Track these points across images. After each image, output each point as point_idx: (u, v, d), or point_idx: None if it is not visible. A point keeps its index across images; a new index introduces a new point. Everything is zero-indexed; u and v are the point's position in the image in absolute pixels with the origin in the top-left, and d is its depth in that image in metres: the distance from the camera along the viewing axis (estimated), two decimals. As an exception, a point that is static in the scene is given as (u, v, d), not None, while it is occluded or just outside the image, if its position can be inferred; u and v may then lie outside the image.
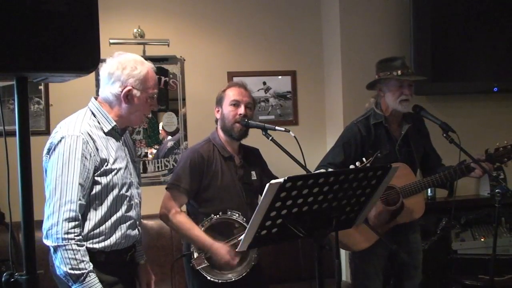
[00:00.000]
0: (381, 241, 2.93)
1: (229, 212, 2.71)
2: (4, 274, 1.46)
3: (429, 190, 4.26)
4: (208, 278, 2.65)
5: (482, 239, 4.02)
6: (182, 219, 2.70)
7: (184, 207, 2.86)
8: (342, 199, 2.05)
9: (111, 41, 3.78)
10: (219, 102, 2.84)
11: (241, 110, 2.77)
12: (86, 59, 1.44)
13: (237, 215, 2.71)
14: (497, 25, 4.34)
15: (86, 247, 2.13)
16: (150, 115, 4.07)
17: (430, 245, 4.10)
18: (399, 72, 3.02)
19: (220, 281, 2.66)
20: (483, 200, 4.24)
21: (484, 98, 4.49)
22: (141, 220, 2.43)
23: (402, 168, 2.94)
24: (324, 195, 1.97)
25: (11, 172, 1.49)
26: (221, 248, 2.63)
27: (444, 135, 2.93)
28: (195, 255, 2.68)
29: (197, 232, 2.67)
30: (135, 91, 2.22)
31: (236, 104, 2.77)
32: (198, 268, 2.65)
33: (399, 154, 3.08)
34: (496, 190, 2.85)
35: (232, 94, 2.80)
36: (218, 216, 2.70)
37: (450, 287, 4.00)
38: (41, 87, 3.86)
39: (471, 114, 4.47)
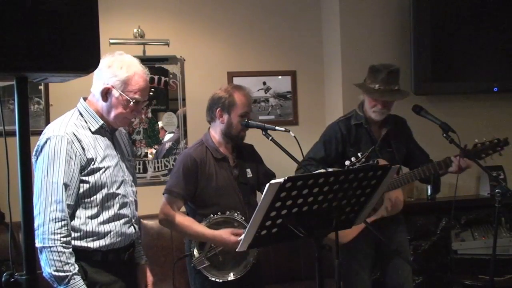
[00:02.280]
0: (365, 238, 3.01)
1: (228, 212, 2.72)
2: (4, 274, 1.46)
3: (428, 190, 4.26)
4: (209, 277, 2.66)
5: (482, 239, 4.02)
6: (180, 219, 2.72)
7: (183, 209, 2.87)
8: (342, 199, 2.05)
9: (111, 41, 3.78)
10: (228, 108, 2.76)
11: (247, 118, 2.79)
12: (86, 59, 1.43)
13: (235, 214, 2.72)
14: (497, 25, 4.34)
15: (81, 246, 2.13)
16: (149, 116, 4.07)
17: (430, 245, 4.10)
18: (377, 86, 3.07)
19: (220, 280, 2.67)
20: (483, 200, 4.24)
21: (484, 98, 4.49)
22: (140, 219, 2.42)
23: (381, 163, 3.00)
24: (324, 195, 1.97)
25: (11, 172, 1.49)
26: (223, 234, 2.64)
27: (444, 135, 2.94)
28: (196, 255, 2.69)
29: (197, 227, 2.68)
30: (114, 91, 2.20)
31: (246, 116, 2.78)
32: (199, 268, 2.67)
33: (380, 154, 3.14)
34: (496, 190, 2.85)
35: (242, 105, 2.77)
36: (217, 215, 2.71)
37: (450, 287, 4.00)
38: (41, 87, 3.86)
39: (471, 114, 4.47)
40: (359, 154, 2.82)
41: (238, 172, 2.84)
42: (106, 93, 2.21)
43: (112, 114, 2.23)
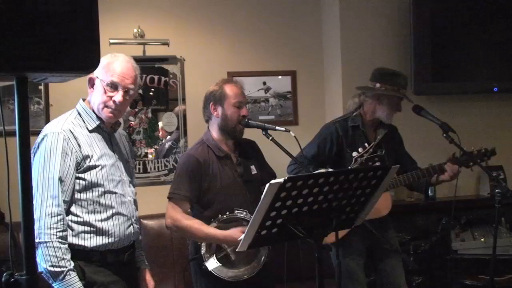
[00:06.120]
0: (360, 238, 3.06)
1: (236, 211, 2.68)
2: (4, 274, 1.46)
3: (429, 190, 4.26)
4: (221, 278, 2.61)
5: (482, 239, 4.02)
6: (189, 222, 2.66)
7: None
8: (342, 199, 2.05)
9: (111, 41, 3.78)
10: (219, 100, 2.74)
11: (244, 111, 2.75)
12: (86, 59, 1.43)
13: (244, 213, 2.68)
14: (497, 24, 4.33)
15: (78, 245, 2.13)
16: (149, 116, 4.07)
17: (430, 245, 4.10)
18: (401, 91, 3.14)
19: (233, 280, 2.62)
20: (483, 200, 4.24)
21: (484, 98, 4.49)
22: (140, 219, 2.41)
23: None
24: (324, 195, 1.97)
25: (11, 172, 1.49)
26: (233, 234, 2.57)
27: (444, 135, 2.94)
28: (207, 257, 2.65)
29: (207, 229, 2.62)
30: (97, 80, 2.23)
31: (240, 106, 2.75)
32: (211, 269, 2.61)
33: None
34: (496, 190, 2.85)
35: (234, 94, 2.74)
36: (225, 216, 2.67)
37: (450, 287, 4.00)
38: (41, 87, 3.86)
39: (471, 114, 4.47)
40: (366, 144, 2.83)
41: (242, 170, 2.80)
42: (90, 82, 2.25)
43: (96, 103, 2.24)
